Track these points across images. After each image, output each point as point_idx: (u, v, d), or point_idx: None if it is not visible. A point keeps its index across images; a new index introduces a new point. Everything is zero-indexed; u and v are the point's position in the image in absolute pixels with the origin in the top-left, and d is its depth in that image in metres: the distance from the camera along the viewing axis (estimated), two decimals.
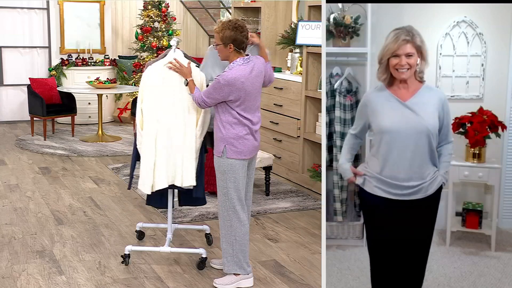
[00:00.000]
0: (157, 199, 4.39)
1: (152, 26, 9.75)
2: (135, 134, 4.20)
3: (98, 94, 8.42)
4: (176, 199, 4.63)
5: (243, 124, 3.79)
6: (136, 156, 4.22)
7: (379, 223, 3.17)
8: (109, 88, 8.41)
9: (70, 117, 8.72)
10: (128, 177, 6.58)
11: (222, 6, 11.15)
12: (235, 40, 3.73)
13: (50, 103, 8.56)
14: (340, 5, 4.86)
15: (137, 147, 4.11)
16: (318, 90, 6.09)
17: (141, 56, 9.91)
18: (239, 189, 3.86)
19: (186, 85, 3.98)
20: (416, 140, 3.01)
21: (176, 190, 4.49)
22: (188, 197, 4.38)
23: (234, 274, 3.96)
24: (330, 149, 4.86)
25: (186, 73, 3.99)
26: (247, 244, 3.94)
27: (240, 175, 3.84)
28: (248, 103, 3.77)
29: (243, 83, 3.70)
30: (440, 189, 3.14)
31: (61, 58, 9.73)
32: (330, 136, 4.86)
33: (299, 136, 6.38)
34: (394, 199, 3.08)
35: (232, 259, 3.91)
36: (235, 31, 3.72)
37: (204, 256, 4.22)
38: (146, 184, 4.05)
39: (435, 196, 3.13)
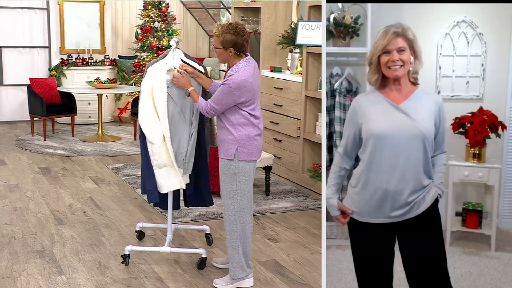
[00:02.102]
0: (165, 200, 4.35)
1: (152, 26, 9.75)
2: (140, 136, 4.14)
3: (98, 94, 8.42)
4: (181, 198, 4.61)
5: (253, 125, 3.77)
6: (149, 164, 4.10)
7: (370, 255, 2.95)
8: (109, 88, 8.41)
9: (70, 117, 8.72)
10: (128, 177, 6.58)
11: (222, 6, 11.15)
12: (236, 44, 3.70)
13: (50, 103, 8.57)
14: (340, 5, 4.86)
15: (157, 146, 4.00)
16: (318, 90, 6.09)
17: (141, 56, 9.91)
18: (249, 191, 3.85)
19: (188, 96, 3.92)
20: (410, 146, 2.77)
21: (181, 191, 4.48)
22: (195, 198, 4.38)
23: None
24: (330, 149, 4.86)
25: (185, 83, 3.91)
26: (250, 246, 3.95)
27: (251, 176, 3.83)
28: (256, 101, 3.79)
29: (251, 84, 3.70)
30: (436, 203, 2.87)
31: (61, 58, 9.74)
32: (330, 136, 4.86)
33: (299, 136, 6.38)
34: (383, 223, 2.87)
35: (238, 263, 3.90)
36: (236, 35, 3.69)
37: (204, 256, 4.22)
38: (166, 185, 4.06)
39: (431, 213, 2.86)
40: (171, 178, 4.04)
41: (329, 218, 4.81)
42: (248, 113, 3.74)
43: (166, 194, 4.31)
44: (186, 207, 4.83)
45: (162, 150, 4.00)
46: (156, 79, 3.98)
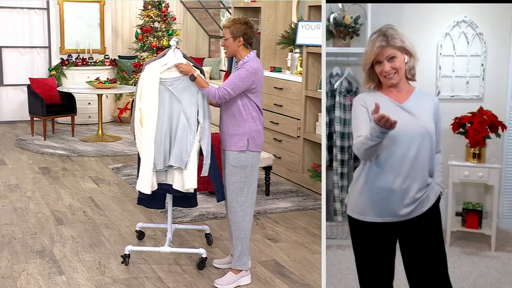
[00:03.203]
0: (149, 199, 4.35)
1: (152, 26, 9.75)
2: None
3: (98, 94, 8.42)
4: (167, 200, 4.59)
5: (260, 118, 3.92)
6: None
7: (372, 255, 2.95)
8: (109, 88, 8.41)
9: (70, 117, 8.72)
10: (128, 177, 6.58)
11: (222, 6, 11.15)
12: (245, 34, 3.85)
13: (50, 103, 8.57)
14: (340, 5, 4.86)
15: (137, 145, 4.07)
16: (318, 90, 6.09)
17: (141, 56, 9.91)
18: (255, 182, 3.97)
19: (193, 81, 3.92)
20: (418, 144, 2.78)
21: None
22: (180, 198, 4.38)
23: (234, 272, 3.99)
24: (330, 149, 4.86)
25: (188, 69, 3.95)
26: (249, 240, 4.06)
27: (257, 168, 3.97)
28: (261, 94, 3.92)
29: (262, 74, 3.88)
30: (438, 201, 2.90)
31: (61, 58, 9.73)
32: (330, 136, 4.86)
33: (299, 136, 6.39)
34: (387, 222, 2.87)
35: (240, 255, 3.98)
36: (246, 25, 3.85)
37: (204, 256, 4.22)
38: (147, 185, 4.03)
39: (433, 212, 2.88)
40: (140, 179, 4.03)
41: (329, 218, 4.82)
42: (256, 105, 3.88)
43: (152, 193, 4.26)
44: (173, 207, 4.81)
45: (140, 150, 4.03)
46: (148, 77, 3.98)
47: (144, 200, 4.35)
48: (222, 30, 11.41)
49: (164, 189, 4.14)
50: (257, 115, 3.88)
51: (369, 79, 2.88)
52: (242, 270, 4.00)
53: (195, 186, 4.04)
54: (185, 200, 4.39)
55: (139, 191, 4.15)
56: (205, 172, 4.09)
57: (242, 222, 3.95)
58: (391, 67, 2.78)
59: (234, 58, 3.97)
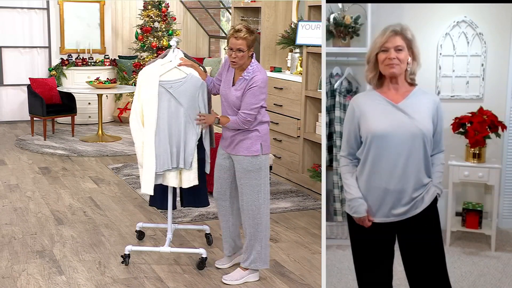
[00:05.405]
0: (160, 200, 4.40)
1: (152, 26, 9.75)
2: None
3: (98, 94, 8.42)
4: (178, 198, 4.62)
5: (267, 119, 3.92)
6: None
7: (370, 257, 2.97)
8: (109, 88, 8.41)
9: (70, 117, 8.72)
10: (128, 177, 6.58)
11: (222, 6, 11.15)
12: (254, 42, 3.81)
13: (50, 103, 8.57)
14: (340, 5, 4.86)
15: (136, 146, 4.02)
16: (318, 90, 6.09)
17: (141, 56, 9.91)
18: (269, 183, 3.99)
19: (218, 123, 3.90)
20: (410, 144, 2.79)
21: (178, 191, 4.49)
22: (191, 198, 4.39)
23: (242, 269, 4.02)
24: (330, 149, 4.86)
25: (211, 120, 3.93)
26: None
27: (268, 168, 3.99)
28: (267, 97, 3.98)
29: (267, 78, 3.89)
30: (435, 203, 2.89)
31: (61, 58, 9.73)
32: (330, 136, 4.86)
33: (299, 136, 6.39)
34: (384, 222, 2.89)
35: (259, 256, 3.98)
36: (255, 34, 3.80)
37: (204, 256, 4.22)
38: (151, 186, 4.02)
39: (430, 213, 2.88)
40: (143, 181, 4.02)
41: (329, 218, 4.81)
42: (265, 107, 3.89)
43: (162, 193, 4.32)
44: (185, 207, 4.84)
45: (139, 151, 4.00)
46: (147, 78, 3.97)
47: (157, 202, 4.42)
48: (222, 30, 11.43)
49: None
50: (265, 115, 3.88)
51: (372, 69, 2.87)
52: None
53: (197, 183, 4.11)
54: (197, 199, 4.40)
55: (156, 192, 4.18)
56: (207, 170, 4.15)
57: (261, 224, 3.94)
58: (397, 57, 2.80)
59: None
